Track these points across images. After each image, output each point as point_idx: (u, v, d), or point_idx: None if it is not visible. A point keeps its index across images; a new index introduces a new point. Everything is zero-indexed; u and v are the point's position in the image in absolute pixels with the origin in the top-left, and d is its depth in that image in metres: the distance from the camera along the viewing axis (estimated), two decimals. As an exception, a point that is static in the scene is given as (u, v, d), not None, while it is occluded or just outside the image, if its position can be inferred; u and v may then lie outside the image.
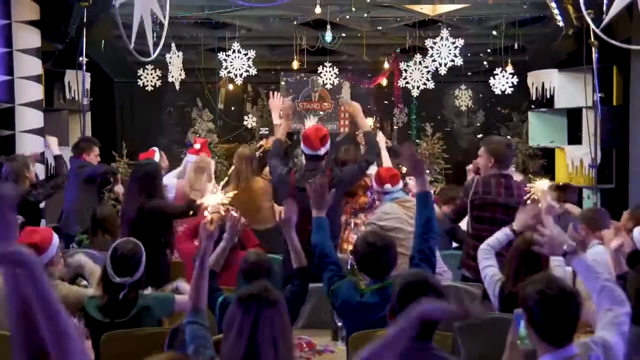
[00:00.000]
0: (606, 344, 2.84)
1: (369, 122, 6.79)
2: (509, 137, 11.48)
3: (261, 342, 2.66)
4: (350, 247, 6.36)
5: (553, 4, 7.03)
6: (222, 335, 2.90)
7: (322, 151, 5.45)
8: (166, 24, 6.57)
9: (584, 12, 6.11)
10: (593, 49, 7.63)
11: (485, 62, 10.86)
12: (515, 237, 4.52)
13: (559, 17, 7.21)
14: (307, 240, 5.27)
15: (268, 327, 2.68)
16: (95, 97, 10.90)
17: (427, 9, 9.72)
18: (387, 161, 6.53)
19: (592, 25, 6.02)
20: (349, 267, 5.33)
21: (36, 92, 7.89)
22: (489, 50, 10.55)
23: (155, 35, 9.55)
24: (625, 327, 2.98)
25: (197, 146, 6.86)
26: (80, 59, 7.76)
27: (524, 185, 5.50)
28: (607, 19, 6.04)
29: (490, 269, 4.36)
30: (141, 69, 10.35)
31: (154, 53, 6.44)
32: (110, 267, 4.13)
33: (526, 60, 11.02)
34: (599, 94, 7.85)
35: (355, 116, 5.93)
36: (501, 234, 4.62)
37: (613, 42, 6.28)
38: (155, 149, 7.09)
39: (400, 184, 5.79)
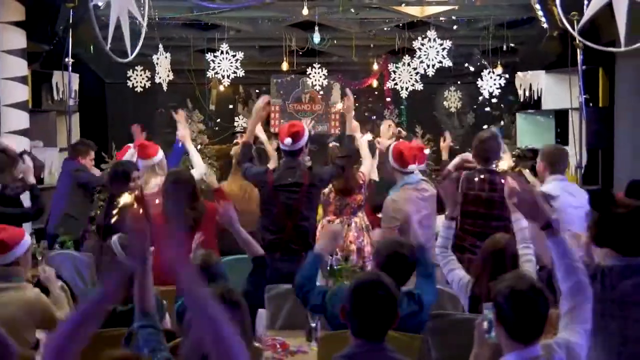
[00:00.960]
0: (569, 345, 2.85)
1: (367, 137, 6.85)
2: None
3: None
4: (353, 247, 6.44)
5: (537, 6, 7.03)
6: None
7: (299, 145, 5.49)
8: (145, 25, 6.57)
9: (562, 16, 6.12)
10: (578, 50, 7.64)
11: (471, 68, 10.84)
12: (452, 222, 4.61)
13: (543, 19, 7.22)
14: (287, 237, 5.32)
15: None
16: (87, 99, 10.94)
17: (415, 11, 9.74)
18: (367, 164, 6.56)
19: (569, 28, 6.02)
20: (328, 268, 5.35)
21: (22, 93, 7.89)
22: (478, 52, 10.56)
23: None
24: (589, 325, 2.98)
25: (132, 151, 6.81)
26: (66, 59, 7.75)
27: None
28: (583, 20, 6.05)
29: (455, 273, 4.37)
30: (130, 70, 10.36)
31: (131, 54, 6.42)
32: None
33: (516, 62, 11.04)
34: (584, 96, 7.85)
35: (347, 116, 5.97)
36: (442, 229, 4.65)
37: (590, 44, 6.30)
38: (130, 145, 7.10)
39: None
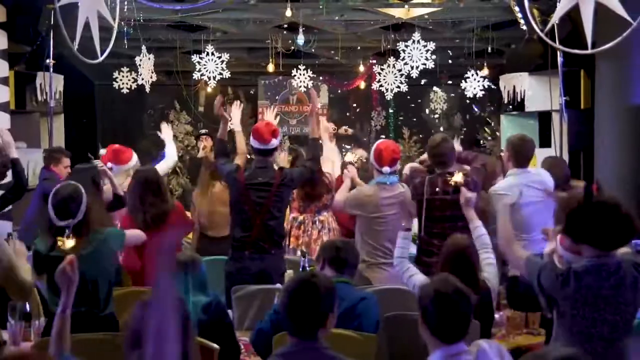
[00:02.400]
0: (502, 350, 2.92)
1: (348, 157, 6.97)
2: (489, 139, 11.56)
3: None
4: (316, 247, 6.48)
5: (517, 8, 7.05)
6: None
7: (272, 145, 5.53)
8: (115, 26, 6.58)
9: (530, 18, 6.15)
10: (558, 52, 7.65)
11: (457, 69, 10.87)
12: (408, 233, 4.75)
13: (522, 21, 7.24)
14: (256, 235, 5.33)
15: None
16: (75, 100, 10.96)
17: (400, 12, 9.74)
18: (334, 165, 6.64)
19: (536, 28, 6.04)
20: (300, 269, 5.38)
21: (2, 94, 7.91)
22: (463, 54, 10.58)
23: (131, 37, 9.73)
24: None
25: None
26: (47, 61, 7.77)
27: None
28: (551, 22, 6.07)
29: (416, 278, 4.42)
30: (117, 72, 10.38)
31: (101, 55, 6.44)
32: (52, 212, 4.32)
33: (503, 64, 11.06)
34: (564, 98, 7.86)
35: (312, 119, 6.02)
36: (399, 240, 4.71)
37: (556, 45, 6.32)
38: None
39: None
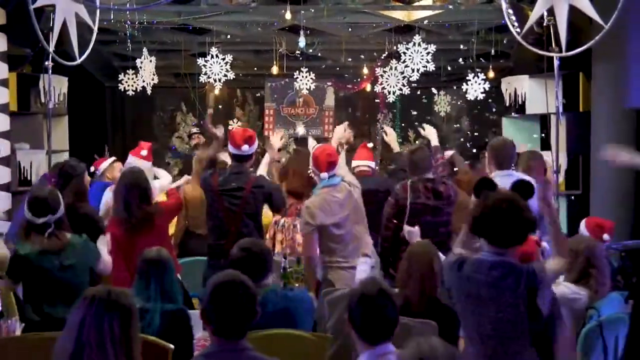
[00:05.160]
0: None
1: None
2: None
3: (86, 343, 2.70)
4: (300, 249, 6.48)
5: (510, 11, 7.01)
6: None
7: (244, 151, 5.53)
8: (95, 29, 6.65)
9: (507, 20, 6.14)
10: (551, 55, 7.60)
11: (461, 72, 10.83)
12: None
13: (515, 24, 7.19)
14: (231, 242, 5.35)
15: (95, 328, 2.71)
16: (84, 102, 11.09)
17: (402, 15, 9.74)
18: None
19: (513, 30, 6.03)
20: (282, 270, 5.40)
21: (2, 95, 8.02)
22: (467, 56, 10.55)
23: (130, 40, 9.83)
24: None
25: (144, 152, 6.71)
26: (47, 63, 7.85)
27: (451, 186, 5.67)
28: (527, 24, 6.07)
29: None
30: (122, 74, 10.48)
31: (80, 57, 6.51)
32: (30, 213, 4.45)
33: (510, 66, 11.01)
34: (561, 100, 7.82)
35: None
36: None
37: (533, 48, 6.30)
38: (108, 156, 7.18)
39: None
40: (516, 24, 6.98)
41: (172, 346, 3.75)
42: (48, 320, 4.39)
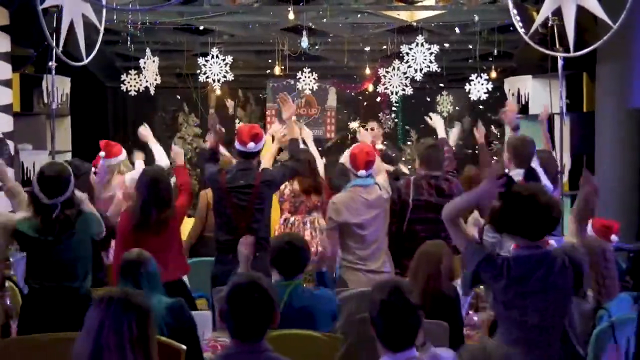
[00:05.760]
0: (436, 357, 2.94)
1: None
2: (495, 142, 11.51)
3: (105, 345, 2.68)
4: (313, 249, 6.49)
5: (515, 11, 7.01)
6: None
7: (250, 148, 5.53)
8: (102, 29, 6.64)
9: (514, 19, 6.13)
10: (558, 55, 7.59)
11: (464, 72, 10.82)
12: None
13: (520, 24, 7.19)
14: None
15: (113, 330, 2.69)
16: (86, 102, 11.08)
17: (405, 15, 9.73)
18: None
19: (520, 30, 6.03)
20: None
21: (5, 96, 8.00)
22: (470, 56, 10.55)
23: (135, 40, 9.82)
24: None
25: (102, 153, 6.52)
26: (50, 63, 7.84)
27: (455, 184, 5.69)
28: (535, 24, 6.06)
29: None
30: (125, 74, 10.47)
31: (87, 58, 6.50)
32: (39, 190, 4.35)
33: (513, 67, 11.00)
34: (565, 100, 7.81)
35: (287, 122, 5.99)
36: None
37: (542, 48, 6.29)
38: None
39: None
40: (521, 24, 6.99)
41: (184, 347, 3.74)
42: (46, 291, 4.41)
